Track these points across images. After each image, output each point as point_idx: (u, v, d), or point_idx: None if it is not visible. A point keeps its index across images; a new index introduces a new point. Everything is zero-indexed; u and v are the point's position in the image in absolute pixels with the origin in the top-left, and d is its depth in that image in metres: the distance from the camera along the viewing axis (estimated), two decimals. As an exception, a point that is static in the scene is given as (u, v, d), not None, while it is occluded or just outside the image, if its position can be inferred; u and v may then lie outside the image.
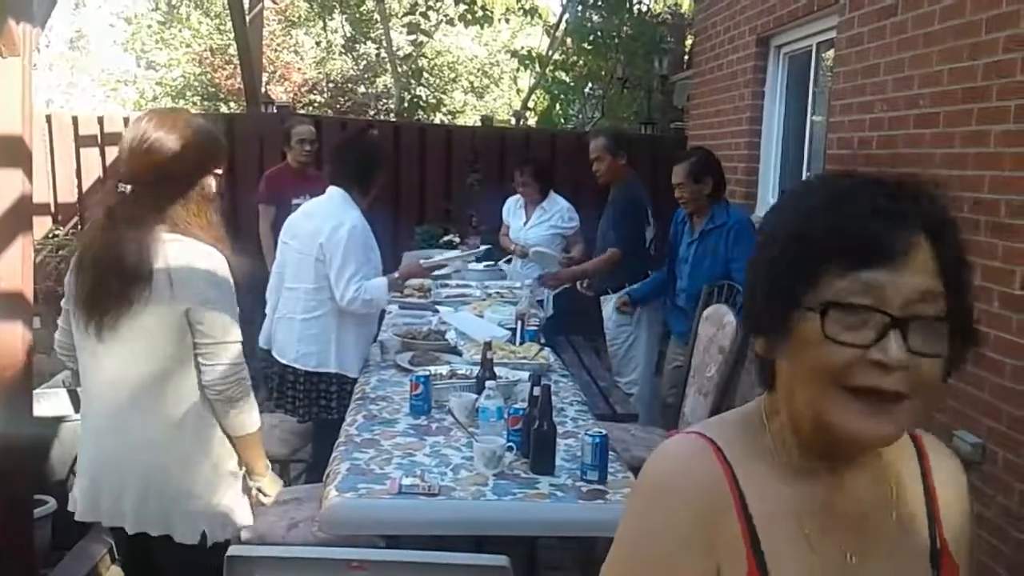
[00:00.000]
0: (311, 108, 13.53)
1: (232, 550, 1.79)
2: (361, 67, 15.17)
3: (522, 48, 11.77)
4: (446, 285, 4.88)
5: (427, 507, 2.15)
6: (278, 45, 14.60)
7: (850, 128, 4.08)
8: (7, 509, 2.73)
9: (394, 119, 12.14)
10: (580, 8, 10.25)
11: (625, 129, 8.22)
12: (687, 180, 4.02)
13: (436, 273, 4.24)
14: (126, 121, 6.73)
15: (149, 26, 16.16)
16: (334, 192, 3.48)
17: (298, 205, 3.88)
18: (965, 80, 3.19)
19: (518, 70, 13.68)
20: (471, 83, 17.17)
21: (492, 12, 11.05)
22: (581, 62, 10.66)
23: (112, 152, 6.69)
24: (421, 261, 4.01)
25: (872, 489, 0.95)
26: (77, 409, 3.45)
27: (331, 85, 14.65)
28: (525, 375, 2.93)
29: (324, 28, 15.33)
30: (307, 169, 5.40)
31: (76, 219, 6.92)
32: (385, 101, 14.51)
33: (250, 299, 3.72)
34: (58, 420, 3.50)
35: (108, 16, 21.74)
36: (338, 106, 14.00)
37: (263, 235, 5.32)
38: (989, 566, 2.99)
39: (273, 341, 3.53)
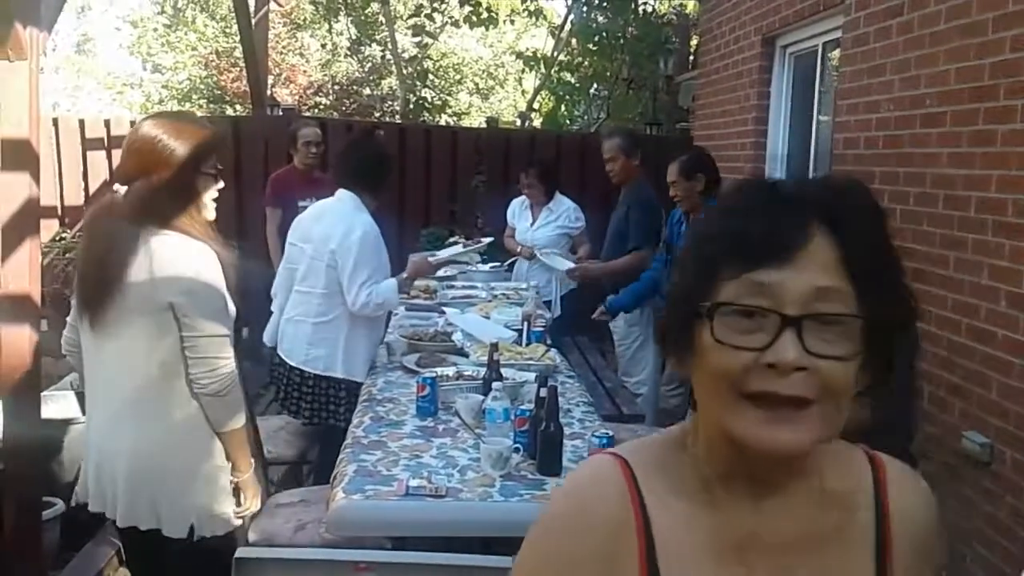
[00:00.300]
0: (316, 110, 13.55)
1: (240, 552, 1.80)
2: (366, 69, 15.19)
3: (527, 49, 11.77)
4: (452, 286, 4.88)
5: (434, 508, 2.14)
6: (283, 47, 14.63)
7: (856, 128, 4.07)
8: (16, 511, 2.74)
9: (399, 121, 12.16)
10: (585, 9, 10.25)
11: (633, 129, 8.23)
12: (679, 178, 4.07)
13: (441, 273, 4.23)
14: (132, 124, 6.75)
15: (155, 29, 16.22)
16: (344, 196, 3.47)
17: (304, 207, 3.87)
18: (972, 79, 3.18)
19: (523, 71, 13.66)
20: (476, 85, 17.17)
21: (497, 14, 11.05)
22: (586, 63, 10.66)
23: (118, 155, 6.71)
24: (429, 257, 4.00)
25: (809, 518, 0.86)
26: (85, 411, 3.46)
27: (336, 87, 14.67)
28: (532, 376, 2.93)
29: (329, 30, 15.35)
30: (313, 171, 5.41)
31: (83, 222, 6.94)
32: (390, 103, 14.52)
33: (258, 301, 3.75)
34: (66, 422, 3.52)
35: (114, 20, 21.81)
36: (343, 108, 14.02)
37: (270, 238, 5.33)
38: (999, 567, 2.97)
39: (281, 342, 3.53)
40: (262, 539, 2.41)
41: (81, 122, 7.22)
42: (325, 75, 15.09)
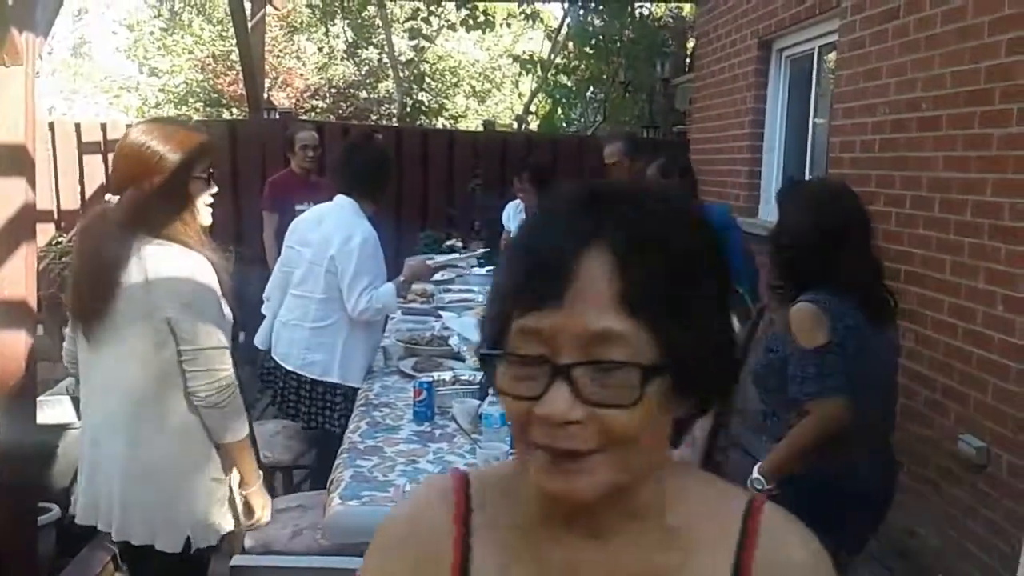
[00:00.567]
0: (313, 114, 13.54)
1: (236, 560, 1.79)
2: (363, 72, 15.18)
3: (524, 52, 11.76)
4: (449, 290, 4.87)
5: (431, 514, 2.14)
6: (280, 51, 14.61)
7: (852, 131, 4.07)
8: (11, 516, 2.74)
9: (396, 124, 12.16)
10: (581, 12, 10.24)
11: (632, 132, 8.24)
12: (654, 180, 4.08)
13: (438, 277, 4.21)
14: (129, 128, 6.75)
15: (151, 33, 16.19)
16: (343, 201, 3.44)
17: (302, 211, 3.85)
18: (968, 83, 3.19)
19: (520, 74, 13.67)
20: (473, 88, 17.16)
21: (494, 17, 11.05)
22: (583, 66, 10.67)
23: (115, 159, 6.71)
24: (427, 261, 3.98)
25: (642, 559, 0.79)
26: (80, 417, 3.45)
27: (333, 91, 14.66)
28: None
29: (326, 34, 15.34)
30: (311, 175, 5.40)
31: (74, 231, 6.94)
32: (387, 106, 14.52)
33: (255, 305, 3.74)
34: (62, 428, 3.50)
35: (111, 23, 21.74)
36: (340, 112, 14.01)
37: (267, 242, 5.32)
38: (995, 571, 2.98)
39: (276, 346, 3.52)
40: (259, 545, 2.40)
41: (77, 126, 7.22)
42: (322, 78, 15.08)
